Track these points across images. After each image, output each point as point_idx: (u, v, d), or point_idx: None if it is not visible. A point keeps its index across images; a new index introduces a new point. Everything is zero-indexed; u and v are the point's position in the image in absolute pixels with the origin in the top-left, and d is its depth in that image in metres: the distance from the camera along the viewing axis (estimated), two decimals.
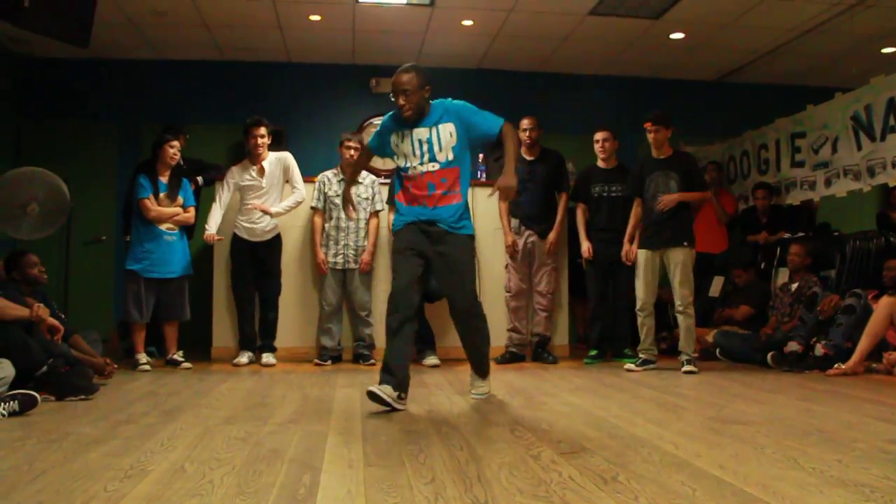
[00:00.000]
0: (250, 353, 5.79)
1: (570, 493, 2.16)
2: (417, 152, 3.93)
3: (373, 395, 3.62)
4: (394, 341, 3.83)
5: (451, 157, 3.94)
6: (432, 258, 3.95)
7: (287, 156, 5.96)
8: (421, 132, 3.93)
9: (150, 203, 5.54)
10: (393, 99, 3.92)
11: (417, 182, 3.96)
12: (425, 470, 2.43)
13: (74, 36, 5.12)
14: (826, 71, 8.12)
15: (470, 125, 3.98)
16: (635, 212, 5.70)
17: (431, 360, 5.77)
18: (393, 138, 4.01)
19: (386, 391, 3.63)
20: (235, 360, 5.72)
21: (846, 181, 6.36)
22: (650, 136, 5.52)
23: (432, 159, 3.93)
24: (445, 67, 8.31)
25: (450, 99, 4.08)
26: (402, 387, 3.74)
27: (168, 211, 5.60)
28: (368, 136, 7.89)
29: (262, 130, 5.80)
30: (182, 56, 7.96)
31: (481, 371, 4.19)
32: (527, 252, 6.04)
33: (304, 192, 5.92)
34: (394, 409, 3.63)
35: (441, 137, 3.93)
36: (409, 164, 3.97)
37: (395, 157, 4.05)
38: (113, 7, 6.44)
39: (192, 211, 5.79)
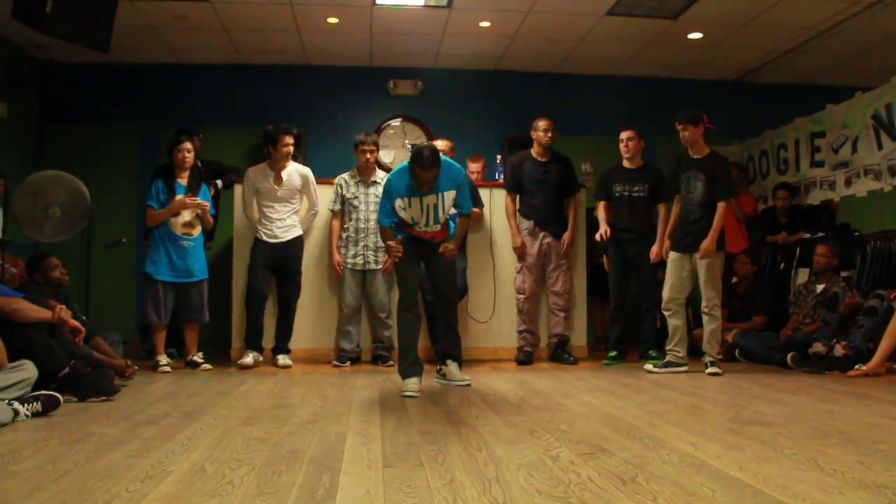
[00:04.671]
0: (256, 354, 5.72)
1: (588, 493, 2.16)
2: (425, 216, 4.47)
3: None
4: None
5: (446, 215, 4.56)
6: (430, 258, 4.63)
7: (308, 172, 5.96)
8: (430, 199, 4.43)
9: (151, 211, 5.56)
10: (415, 183, 4.31)
11: (422, 235, 4.57)
12: (444, 471, 2.44)
13: (95, 41, 5.16)
14: (846, 70, 8.05)
15: (461, 196, 4.53)
16: (675, 209, 5.60)
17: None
18: (399, 202, 4.43)
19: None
20: (240, 361, 5.65)
21: (866, 181, 6.32)
22: (680, 136, 5.45)
23: (436, 221, 4.51)
24: (463, 69, 8.35)
25: (456, 165, 4.54)
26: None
27: (162, 212, 5.55)
28: (385, 137, 8.06)
29: (292, 139, 5.82)
30: (201, 60, 8.02)
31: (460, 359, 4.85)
32: (542, 253, 6.03)
33: (320, 210, 6.01)
34: None
35: (445, 203, 4.46)
36: (414, 223, 4.50)
37: (398, 215, 4.50)
38: (133, 12, 6.49)
39: (209, 215, 5.78)
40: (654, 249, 5.77)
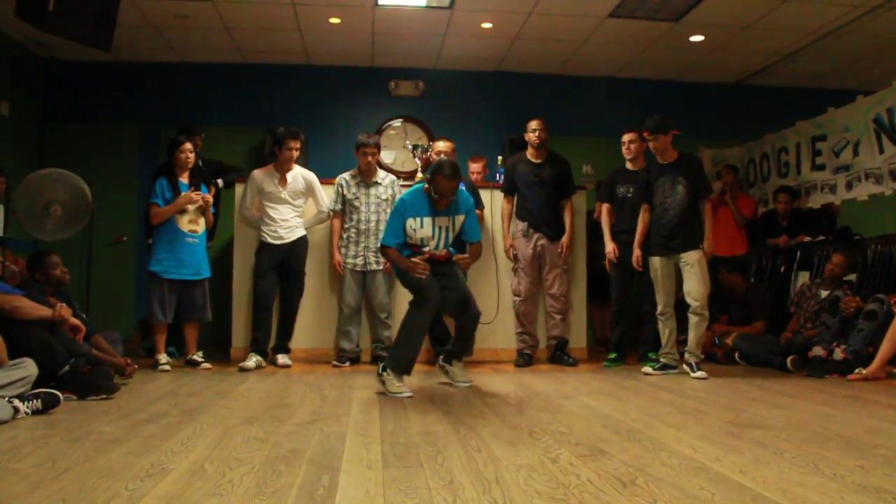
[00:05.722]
0: (259, 358, 5.62)
1: (588, 496, 2.16)
2: (436, 236, 4.49)
3: None
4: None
5: (454, 237, 4.59)
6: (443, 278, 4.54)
7: (313, 177, 5.97)
8: (442, 220, 4.48)
9: (156, 209, 5.56)
10: (436, 196, 4.35)
11: (431, 257, 4.51)
12: (443, 471, 2.44)
13: (97, 39, 5.17)
14: (847, 73, 8.06)
15: (470, 223, 4.60)
16: (643, 218, 5.65)
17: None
18: (411, 222, 4.44)
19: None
20: (242, 364, 5.53)
21: (867, 184, 6.32)
22: (650, 146, 5.49)
23: (446, 244, 4.56)
24: (464, 70, 8.36)
25: (465, 192, 4.62)
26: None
27: (169, 208, 5.55)
28: (386, 137, 8.06)
29: (298, 144, 5.84)
30: (203, 59, 8.03)
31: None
32: (536, 255, 6.03)
33: (328, 214, 6.00)
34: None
35: (455, 226, 4.55)
36: (425, 245, 4.51)
37: (408, 237, 4.49)
38: (135, 11, 6.50)
39: (210, 212, 5.78)
40: (636, 256, 5.76)
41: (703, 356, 5.46)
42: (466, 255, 4.62)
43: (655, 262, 5.49)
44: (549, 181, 6.01)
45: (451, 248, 4.63)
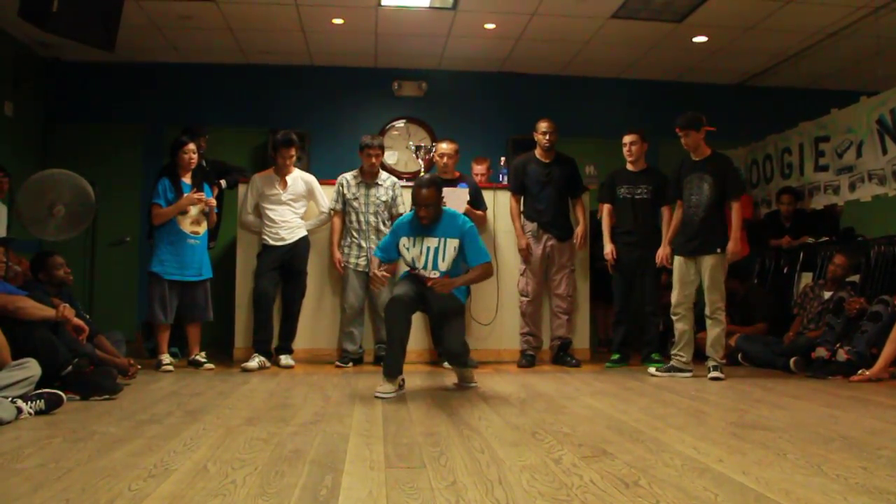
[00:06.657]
0: (262, 358, 5.63)
1: (591, 497, 2.16)
2: (424, 259, 4.52)
3: None
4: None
5: (449, 267, 4.51)
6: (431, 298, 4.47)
7: (312, 179, 6.02)
8: (431, 241, 4.51)
9: (158, 209, 5.56)
10: (415, 207, 4.47)
11: (422, 277, 4.54)
12: (446, 472, 2.44)
13: (101, 40, 5.18)
14: (851, 74, 8.04)
15: (467, 247, 4.51)
16: (676, 214, 5.59)
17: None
18: (403, 241, 4.58)
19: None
20: (245, 365, 5.53)
21: (871, 185, 6.31)
22: (682, 142, 5.43)
23: (435, 267, 4.51)
24: (467, 70, 8.36)
25: (461, 216, 4.62)
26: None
27: (171, 209, 5.54)
28: (389, 138, 8.07)
29: (293, 151, 5.88)
30: (206, 59, 8.03)
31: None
32: (545, 256, 6.02)
33: (329, 215, 6.02)
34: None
35: (446, 250, 4.49)
36: (416, 265, 4.57)
37: (402, 257, 4.64)
38: (139, 11, 6.51)
39: (213, 213, 5.79)
40: (660, 253, 5.75)
41: (723, 361, 5.31)
42: (438, 278, 4.44)
43: (676, 260, 5.45)
44: (559, 181, 6.01)
45: (447, 272, 4.54)
